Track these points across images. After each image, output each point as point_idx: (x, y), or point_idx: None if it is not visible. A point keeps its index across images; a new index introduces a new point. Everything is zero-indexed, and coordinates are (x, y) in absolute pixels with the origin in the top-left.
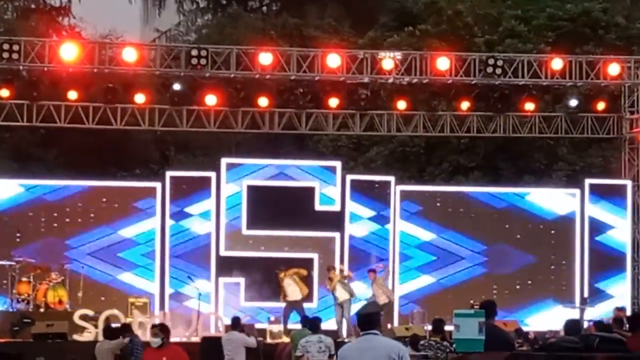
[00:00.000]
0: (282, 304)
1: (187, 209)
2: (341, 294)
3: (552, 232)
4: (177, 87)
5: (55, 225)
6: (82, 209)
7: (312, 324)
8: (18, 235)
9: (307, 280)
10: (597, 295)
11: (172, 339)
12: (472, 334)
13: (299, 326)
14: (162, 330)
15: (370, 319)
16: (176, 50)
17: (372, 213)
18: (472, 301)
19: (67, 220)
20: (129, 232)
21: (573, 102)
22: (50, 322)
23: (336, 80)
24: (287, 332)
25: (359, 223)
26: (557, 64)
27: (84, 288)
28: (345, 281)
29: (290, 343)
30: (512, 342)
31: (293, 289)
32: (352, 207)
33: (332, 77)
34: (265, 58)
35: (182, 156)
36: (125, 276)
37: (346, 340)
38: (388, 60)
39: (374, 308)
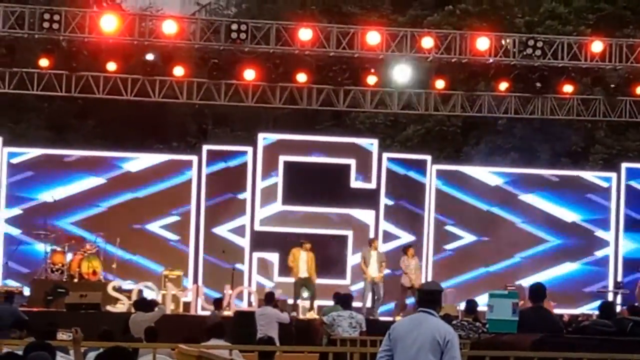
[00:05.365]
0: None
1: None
2: (374, 271)
3: None
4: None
5: None
6: None
7: (343, 300)
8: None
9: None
10: None
11: (204, 313)
12: (505, 315)
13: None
14: None
15: (430, 297)
16: (216, 24)
17: None
18: (506, 284)
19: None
20: None
21: None
22: (83, 292)
23: (375, 58)
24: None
25: None
26: (597, 46)
27: (118, 260)
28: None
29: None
30: (560, 325)
31: (304, 266)
32: None
33: (371, 55)
34: (305, 34)
35: (219, 130)
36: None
37: (380, 319)
38: (428, 39)
39: (436, 286)
